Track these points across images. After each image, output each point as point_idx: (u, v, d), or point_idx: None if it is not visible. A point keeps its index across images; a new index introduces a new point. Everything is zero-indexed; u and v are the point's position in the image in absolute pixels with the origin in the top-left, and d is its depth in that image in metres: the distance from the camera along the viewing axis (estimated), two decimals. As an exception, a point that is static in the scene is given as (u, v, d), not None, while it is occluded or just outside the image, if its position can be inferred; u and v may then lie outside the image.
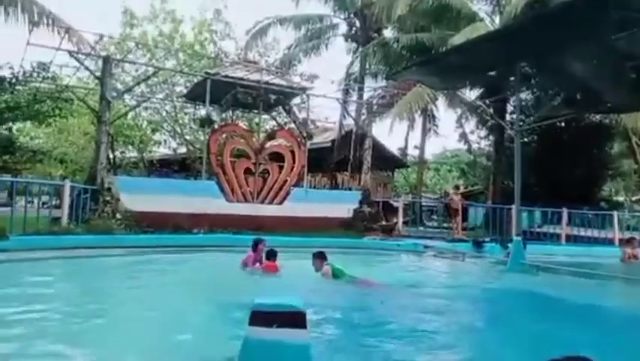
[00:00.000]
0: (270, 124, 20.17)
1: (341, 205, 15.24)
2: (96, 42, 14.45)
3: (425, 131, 26.15)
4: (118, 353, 3.53)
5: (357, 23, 23.12)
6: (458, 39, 14.74)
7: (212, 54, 20.86)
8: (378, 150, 21.65)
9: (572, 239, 14.68)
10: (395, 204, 17.87)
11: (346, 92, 22.26)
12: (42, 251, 8.36)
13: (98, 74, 13.39)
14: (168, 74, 18.98)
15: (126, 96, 17.51)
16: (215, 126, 14.90)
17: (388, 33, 22.61)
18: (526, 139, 18.33)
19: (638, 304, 6.40)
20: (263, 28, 21.62)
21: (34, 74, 14.21)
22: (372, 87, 23.20)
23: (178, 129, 21.10)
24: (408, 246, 12.13)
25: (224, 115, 18.37)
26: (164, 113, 20.90)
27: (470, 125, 25.62)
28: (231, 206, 13.60)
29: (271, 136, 15.48)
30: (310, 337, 2.37)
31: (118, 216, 11.74)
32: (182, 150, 22.46)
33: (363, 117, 20.22)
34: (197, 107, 18.81)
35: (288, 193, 14.63)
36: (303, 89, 16.55)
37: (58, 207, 11.86)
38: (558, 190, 16.94)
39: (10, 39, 15.15)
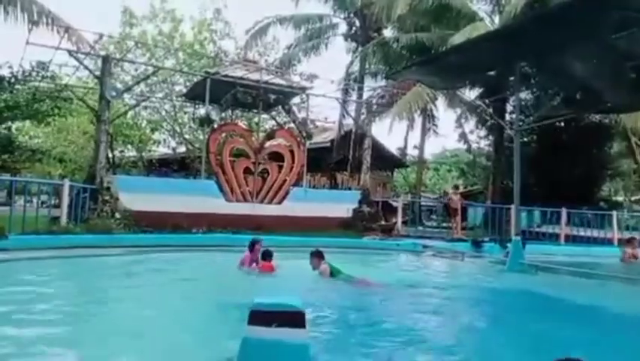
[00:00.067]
0: (269, 124, 20.18)
1: (340, 205, 15.24)
2: (95, 41, 14.43)
3: (425, 131, 26.14)
4: (116, 353, 3.52)
5: (357, 23, 23.13)
6: (458, 39, 14.74)
7: (211, 53, 20.86)
8: (378, 149, 21.66)
9: (571, 239, 14.69)
10: (394, 204, 17.89)
11: (346, 91, 22.25)
12: (41, 250, 8.35)
13: (98, 73, 13.39)
14: (168, 74, 18.97)
15: (125, 95, 17.50)
16: (215, 126, 14.91)
17: (388, 33, 22.61)
18: (525, 139, 18.33)
19: (637, 305, 6.40)
20: (262, 28, 21.61)
21: (34, 74, 14.20)
22: (372, 87, 23.20)
23: (177, 129, 21.10)
24: (407, 246, 12.14)
25: (223, 114, 18.39)
26: (163, 113, 20.91)
27: (470, 125, 25.64)
28: (230, 206, 13.60)
29: (270, 136, 15.48)
30: (309, 336, 2.36)
31: (117, 215, 11.73)
32: (182, 149, 22.47)
33: (362, 117, 20.23)
34: (196, 106, 18.80)
35: (287, 193, 14.63)
36: (303, 89, 16.55)
37: (58, 206, 11.85)
38: (557, 190, 16.95)
39: (9, 38, 15.14)
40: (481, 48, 8.43)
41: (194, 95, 16.59)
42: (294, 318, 2.28)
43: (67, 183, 11.45)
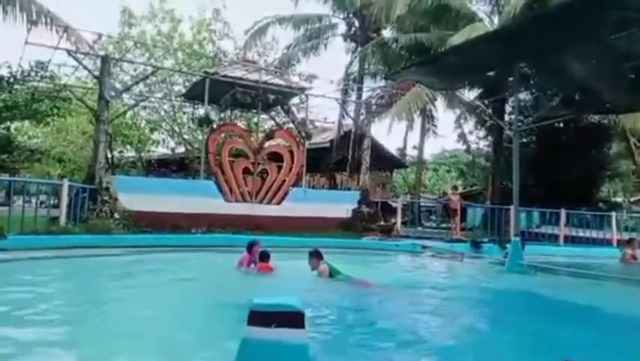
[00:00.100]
0: (268, 124, 20.18)
1: (340, 205, 15.24)
2: (94, 41, 14.43)
3: (424, 132, 26.15)
4: (115, 353, 3.51)
5: (356, 23, 23.13)
6: (457, 39, 14.76)
7: (210, 54, 20.87)
8: (377, 150, 21.67)
9: (570, 240, 14.72)
10: (394, 204, 17.90)
11: (345, 92, 22.25)
12: (40, 251, 8.34)
13: (97, 73, 13.38)
14: (167, 74, 18.97)
15: (124, 95, 17.50)
16: (214, 126, 14.91)
17: (387, 33, 22.62)
18: (524, 139, 18.37)
19: (636, 305, 6.40)
20: (262, 28, 21.61)
21: (33, 73, 14.19)
22: (371, 87, 23.22)
23: (176, 129, 21.07)
24: (406, 246, 12.14)
25: (222, 114, 18.38)
26: (162, 113, 20.90)
27: (469, 125, 25.64)
28: (230, 206, 13.59)
29: (270, 136, 15.47)
30: (308, 337, 2.36)
31: (116, 215, 11.72)
32: (181, 149, 22.45)
33: (362, 117, 20.23)
34: (195, 106, 18.78)
35: (286, 193, 14.62)
36: (302, 89, 16.55)
37: (57, 206, 11.83)
38: (556, 191, 16.96)
39: (8, 38, 15.12)
40: (480, 49, 8.43)
41: (193, 95, 16.59)
42: (293, 318, 2.28)
43: (66, 183, 11.44)
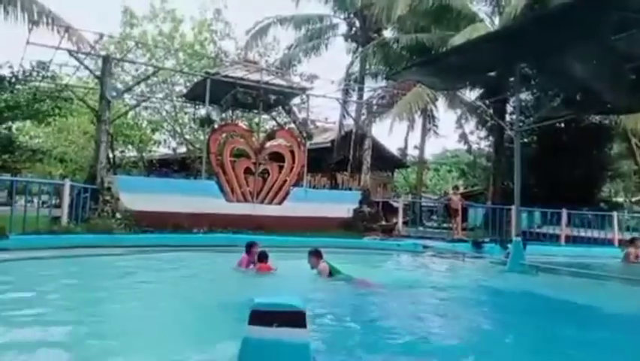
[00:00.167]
0: (269, 124, 20.19)
1: (341, 205, 15.25)
2: (96, 41, 14.46)
3: (425, 132, 26.16)
4: (115, 353, 3.52)
5: (357, 23, 23.15)
6: (458, 39, 14.76)
7: (212, 54, 20.88)
8: (378, 150, 21.68)
9: (571, 240, 14.71)
10: (395, 204, 17.89)
11: (346, 92, 22.27)
12: (42, 250, 8.35)
13: (98, 73, 13.40)
14: (168, 74, 18.99)
15: (126, 96, 17.51)
16: (215, 126, 14.92)
17: (388, 33, 22.64)
18: (525, 140, 18.37)
19: (638, 305, 6.40)
20: (263, 28, 21.64)
21: (34, 73, 14.20)
22: (372, 87, 23.22)
23: (178, 129, 21.10)
24: (407, 246, 12.14)
25: (224, 115, 18.41)
26: (163, 113, 20.92)
27: (470, 125, 25.67)
28: (231, 206, 13.61)
29: (271, 136, 15.48)
30: (310, 336, 2.37)
31: (118, 215, 11.74)
32: (182, 149, 22.47)
33: (363, 117, 20.24)
34: (197, 106, 18.81)
35: (287, 193, 14.63)
36: (303, 89, 16.56)
37: (58, 206, 11.87)
38: (558, 191, 16.96)
39: (9, 38, 15.17)
40: (481, 49, 8.43)
41: (194, 95, 16.61)
42: (294, 318, 2.28)
43: (67, 183, 11.45)
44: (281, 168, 14.73)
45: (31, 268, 7.41)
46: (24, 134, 23.35)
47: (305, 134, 15.94)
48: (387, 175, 30.45)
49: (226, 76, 14.31)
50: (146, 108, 20.62)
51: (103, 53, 14.89)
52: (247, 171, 14.26)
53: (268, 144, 15.02)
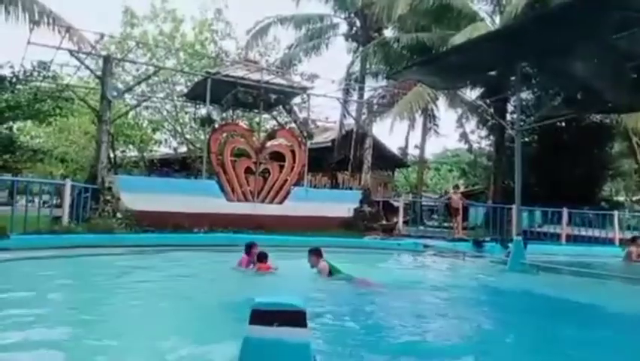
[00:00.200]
0: (270, 123, 20.21)
1: (341, 205, 15.25)
2: (97, 41, 14.44)
3: (425, 131, 26.18)
4: (115, 353, 3.53)
5: (358, 23, 23.15)
6: (459, 39, 14.75)
7: (212, 54, 20.89)
8: (379, 149, 21.69)
9: (572, 239, 14.70)
10: (395, 203, 17.90)
11: (347, 91, 22.28)
12: (43, 250, 8.35)
13: (99, 73, 13.40)
14: (169, 74, 19.00)
15: (127, 95, 17.52)
16: (216, 126, 14.93)
17: (389, 33, 22.63)
18: (526, 139, 18.36)
19: (638, 304, 6.40)
20: (263, 28, 21.64)
21: (35, 73, 14.22)
22: (373, 87, 23.22)
23: (178, 129, 21.12)
24: (408, 245, 12.13)
25: (224, 114, 18.43)
26: (164, 113, 20.93)
27: (471, 124, 25.69)
28: (232, 205, 13.61)
29: (271, 135, 15.49)
30: (311, 336, 2.37)
31: (118, 215, 11.75)
32: (183, 149, 22.49)
33: (363, 117, 20.25)
34: (197, 106, 18.82)
35: (288, 193, 14.63)
36: (304, 89, 16.56)
37: (59, 206, 11.87)
38: (558, 190, 16.96)
39: (10, 38, 15.18)
40: (481, 48, 8.43)
41: (195, 95, 16.61)
42: (295, 317, 2.28)
43: (68, 183, 11.46)
44: (281, 167, 14.73)
45: (32, 267, 7.41)
46: (25, 134, 23.38)
47: (305, 134, 15.95)
48: (387, 175, 30.45)
49: (227, 75, 14.32)
50: (146, 108, 20.64)
51: (104, 52, 14.90)
52: (248, 170, 14.26)
53: (269, 144, 15.02)
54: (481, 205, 19.71)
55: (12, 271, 7.09)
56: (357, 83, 22.14)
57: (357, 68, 23.01)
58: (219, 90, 14.35)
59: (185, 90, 18.71)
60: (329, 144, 22.56)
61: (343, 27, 23.59)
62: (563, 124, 18.33)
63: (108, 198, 11.94)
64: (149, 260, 8.77)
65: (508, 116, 19.31)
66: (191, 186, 14.15)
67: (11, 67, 13.78)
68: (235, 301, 5.01)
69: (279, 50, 23.23)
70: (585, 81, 8.77)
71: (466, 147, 28.04)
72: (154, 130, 21.99)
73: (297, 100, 18.32)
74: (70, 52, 12.72)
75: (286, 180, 14.68)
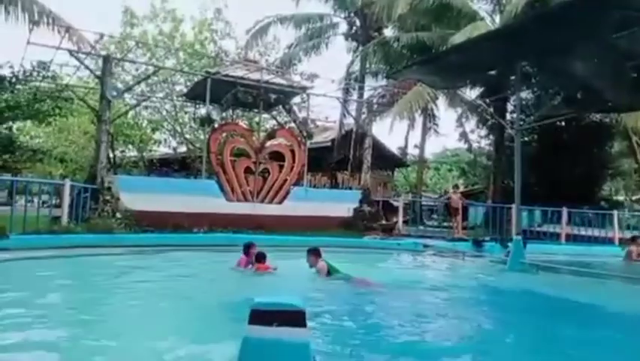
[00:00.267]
0: (270, 123, 20.20)
1: (341, 204, 15.25)
2: (96, 41, 14.44)
3: (425, 131, 26.18)
4: (115, 353, 3.53)
5: (358, 22, 23.14)
6: (459, 38, 14.74)
7: (212, 53, 20.88)
8: (379, 149, 21.68)
9: (571, 238, 14.70)
10: (395, 203, 17.90)
11: (346, 91, 22.26)
12: (42, 250, 8.35)
13: (98, 73, 13.40)
14: (168, 73, 18.99)
15: (126, 95, 17.52)
16: (216, 125, 14.92)
17: (389, 32, 22.62)
18: (526, 138, 18.36)
19: (638, 303, 6.40)
20: (263, 28, 21.63)
21: (35, 73, 14.20)
22: (373, 86, 23.21)
23: (178, 128, 21.11)
24: (408, 245, 12.13)
25: (224, 114, 18.41)
26: (164, 113, 20.92)
27: (470, 124, 25.69)
28: (231, 205, 13.60)
29: (271, 135, 15.48)
30: (310, 335, 2.37)
31: (118, 215, 11.75)
32: (183, 149, 22.49)
33: (363, 116, 20.24)
34: (197, 106, 18.82)
35: (288, 192, 14.63)
36: (304, 89, 16.55)
37: (59, 206, 11.87)
38: (558, 189, 16.96)
39: (10, 38, 15.16)
40: (481, 47, 8.43)
41: (194, 94, 16.61)
42: (294, 317, 2.28)
43: (68, 183, 11.45)
44: (281, 167, 14.73)
45: (32, 267, 7.40)
46: (24, 134, 23.36)
47: (305, 134, 15.94)
48: (387, 174, 30.45)
49: (226, 75, 14.31)
50: (146, 108, 20.63)
51: (103, 52, 14.89)
52: (247, 170, 14.26)
53: (268, 144, 15.01)
54: (480, 205, 19.71)
55: (11, 271, 7.09)
56: (356, 83, 22.13)
57: (356, 67, 23.00)
58: (219, 90, 14.35)
59: (185, 90, 18.70)
60: (329, 144, 22.55)
61: (343, 26, 23.62)
62: (563, 123, 18.33)
63: (107, 198, 11.93)
64: (149, 260, 8.77)
65: (508, 116, 19.30)
66: (190, 186, 14.14)
67: (11, 67, 13.78)
68: (234, 301, 5.01)
69: (278, 49, 23.27)
70: (585, 80, 8.77)
71: (466, 146, 28.05)
72: (153, 130, 21.97)
73: (296, 100, 18.32)
74: (70, 52, 12.71)
75: (286, 180, 14.67)
